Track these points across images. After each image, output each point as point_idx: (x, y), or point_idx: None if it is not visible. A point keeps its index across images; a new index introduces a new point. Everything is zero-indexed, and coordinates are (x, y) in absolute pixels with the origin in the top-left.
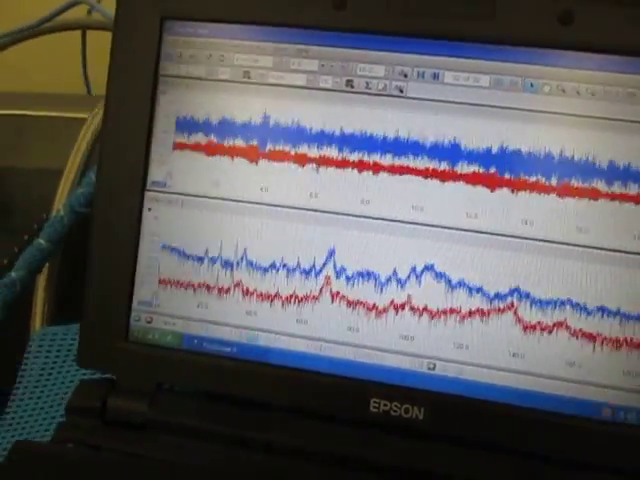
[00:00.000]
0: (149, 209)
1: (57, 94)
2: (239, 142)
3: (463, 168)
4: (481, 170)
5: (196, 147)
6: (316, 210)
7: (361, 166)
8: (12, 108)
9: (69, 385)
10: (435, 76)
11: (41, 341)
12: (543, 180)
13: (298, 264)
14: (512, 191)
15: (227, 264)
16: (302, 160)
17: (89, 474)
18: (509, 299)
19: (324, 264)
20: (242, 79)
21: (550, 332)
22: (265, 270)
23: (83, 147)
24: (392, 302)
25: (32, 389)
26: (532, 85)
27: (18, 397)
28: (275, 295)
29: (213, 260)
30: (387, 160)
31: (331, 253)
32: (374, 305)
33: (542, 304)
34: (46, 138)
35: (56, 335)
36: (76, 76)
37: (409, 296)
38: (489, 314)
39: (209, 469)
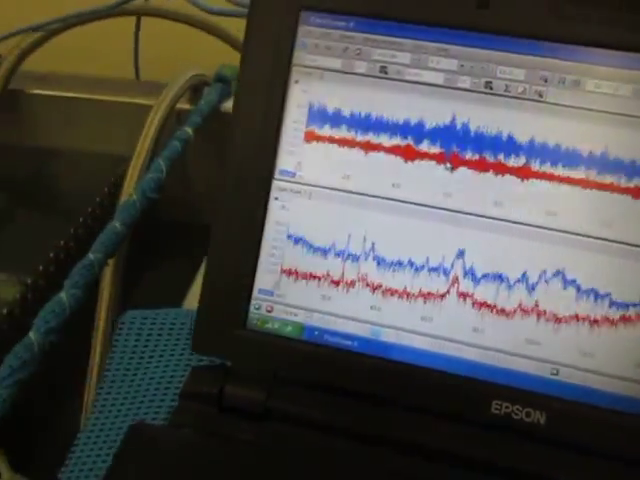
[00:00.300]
0: (276, 198)
1: (106, 78)
2: (372, 137)
3: (600, 177)
4: (619, 180)
5: (328, 139)
6: (448, 210)
7: (495, 169)
8: (64, 90)
9: (164, 369)
10: (576, 83)
11: (130, 324)
12: None
13: (426, 262)
14: None
15: (353, 258)
16: (436, 159)
17: (211, 459)
18: (639, 309)
19: (453, 264)
20: (378, 74)
21: None
22: (392, 266)
23: (151, 133)
24: (519, 305)
25: (124, 371)
26: None
27: (109, 379)
28: (401, 291)
29: (339, 253)
30: (522, 164)
31: (461, 253)
32: (501, 307)
33: None
34: (97, 121)
35: (146, 319)
36: (124, 61)
37: (537, 300)
38: (617, 323)
39: (326, 462)
